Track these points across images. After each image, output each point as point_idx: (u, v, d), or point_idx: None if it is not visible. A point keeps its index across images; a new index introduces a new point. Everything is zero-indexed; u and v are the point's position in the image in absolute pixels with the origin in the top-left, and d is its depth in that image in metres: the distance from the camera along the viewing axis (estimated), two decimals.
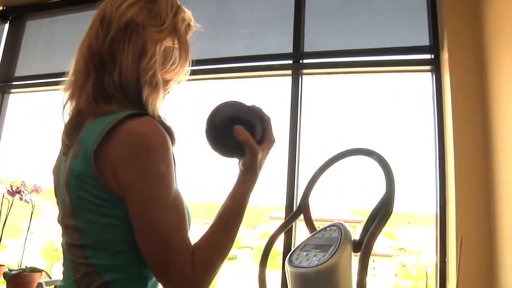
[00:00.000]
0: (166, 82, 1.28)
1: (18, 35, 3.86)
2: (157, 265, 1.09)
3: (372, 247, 1.51)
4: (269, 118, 1.32)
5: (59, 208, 1.25)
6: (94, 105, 1.17)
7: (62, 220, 1.21)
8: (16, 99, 3.79)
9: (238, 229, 1.27)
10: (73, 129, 1.22)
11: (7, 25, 3.89)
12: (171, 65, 1.26)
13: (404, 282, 2.40)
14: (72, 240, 1.17)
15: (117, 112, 1.11)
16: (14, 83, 3.76)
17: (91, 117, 1.19)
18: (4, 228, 2.99)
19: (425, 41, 2.58)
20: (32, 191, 3.04)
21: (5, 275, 2.69)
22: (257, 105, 1.32)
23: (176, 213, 1.09)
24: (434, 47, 2.53)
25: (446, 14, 2.41)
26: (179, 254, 1.06)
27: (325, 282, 1.40)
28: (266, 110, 1.32)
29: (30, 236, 2.99)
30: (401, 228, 2.48)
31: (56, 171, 1.29)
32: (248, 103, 1.30)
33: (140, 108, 1.16)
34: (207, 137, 1.28)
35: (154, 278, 1.17)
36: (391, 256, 2.46)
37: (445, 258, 2.25)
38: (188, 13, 1.31)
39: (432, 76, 2.52)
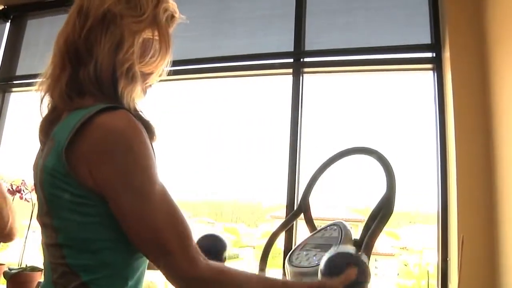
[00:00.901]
0: (146, 75, 1.25)
1: (19, 34, 3.84)
2: (155, 258, 1.07)
3: (373, 246, 1.51)
4: None
5: (38, 205, 1.22)
6: (67, 100, 1.14)
7: (40, 219, 1.19)
8: (17, 98, 3.76)
9: None
10: (49, 125, 1.20)
11: (8, 24, 3.87)
12: (151, 57, 1.22)
13: (406, 281, 2.41)
14: (50, 239, 1.15)
15: (91, 106, 1.08)
16: (15, 82, 3.73)
17: (66, 112, 1.16)
18: None
19: (426, 39, 2.57)
20: (32, 190, 2.95)
21: (5, 274, 2.66)
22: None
23: (164, 205, 1.07)
24: (436, 45, 2.52)
25: (447, 11, 2.40)
26: (176, 245, 1.05)
27: None
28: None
29: (31, 235, 2.97)
30: (403, 227, 2.49)
31: (35, 168, 1.25)
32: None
33: (115, 102, 1.13)
34: (333, 251, 1.34)
35: (135, 277, 1.15)
36: (393, 255, 2.47)
37: (447, 257, 2.24)
38: (171, 4, 1.27)
39: (434, 74, 2.52)
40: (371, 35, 2.73)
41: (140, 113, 1.19)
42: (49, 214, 1.13)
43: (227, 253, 1.60)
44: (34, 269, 2.74)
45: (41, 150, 1.22)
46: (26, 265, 2.79)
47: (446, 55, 2.39)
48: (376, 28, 2.73)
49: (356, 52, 2.72)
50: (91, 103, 1.10)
